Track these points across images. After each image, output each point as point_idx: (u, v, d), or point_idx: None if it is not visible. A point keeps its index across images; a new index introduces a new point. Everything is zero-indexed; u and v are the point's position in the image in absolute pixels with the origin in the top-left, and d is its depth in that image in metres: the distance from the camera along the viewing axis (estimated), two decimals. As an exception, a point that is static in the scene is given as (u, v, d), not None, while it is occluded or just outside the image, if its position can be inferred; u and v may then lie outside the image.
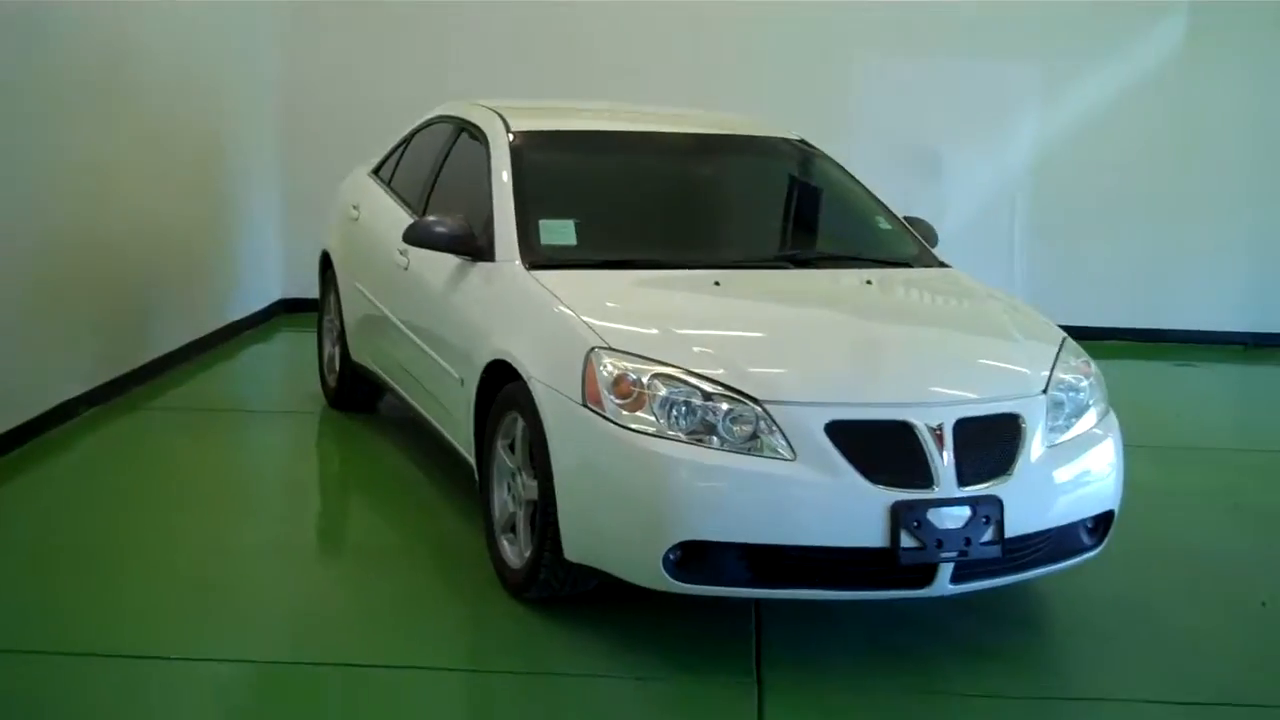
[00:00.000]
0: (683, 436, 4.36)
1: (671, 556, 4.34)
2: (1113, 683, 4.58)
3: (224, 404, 7.96)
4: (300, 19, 10.30)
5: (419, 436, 6.49)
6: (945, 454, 4.38)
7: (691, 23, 10.23)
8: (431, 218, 5.63)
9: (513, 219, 5.42)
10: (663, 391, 4.41)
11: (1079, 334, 9.40)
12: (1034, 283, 10.40)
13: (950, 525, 4.33)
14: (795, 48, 10.22)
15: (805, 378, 4.54)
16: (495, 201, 5.55)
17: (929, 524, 4.30)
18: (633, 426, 4.38)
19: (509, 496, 5.00)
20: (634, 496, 4.37)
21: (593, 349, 4.56)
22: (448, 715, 4.33)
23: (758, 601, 4.85)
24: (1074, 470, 4.72)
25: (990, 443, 4.50)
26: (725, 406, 4.38)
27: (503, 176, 5.64)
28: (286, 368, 9.10)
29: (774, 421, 4.34)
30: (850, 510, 4.30)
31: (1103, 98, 10.28)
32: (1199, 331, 10.51)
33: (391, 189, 6.85)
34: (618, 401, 4.43)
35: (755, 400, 4.37)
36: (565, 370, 4.59)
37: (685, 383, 4.41)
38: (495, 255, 5.35)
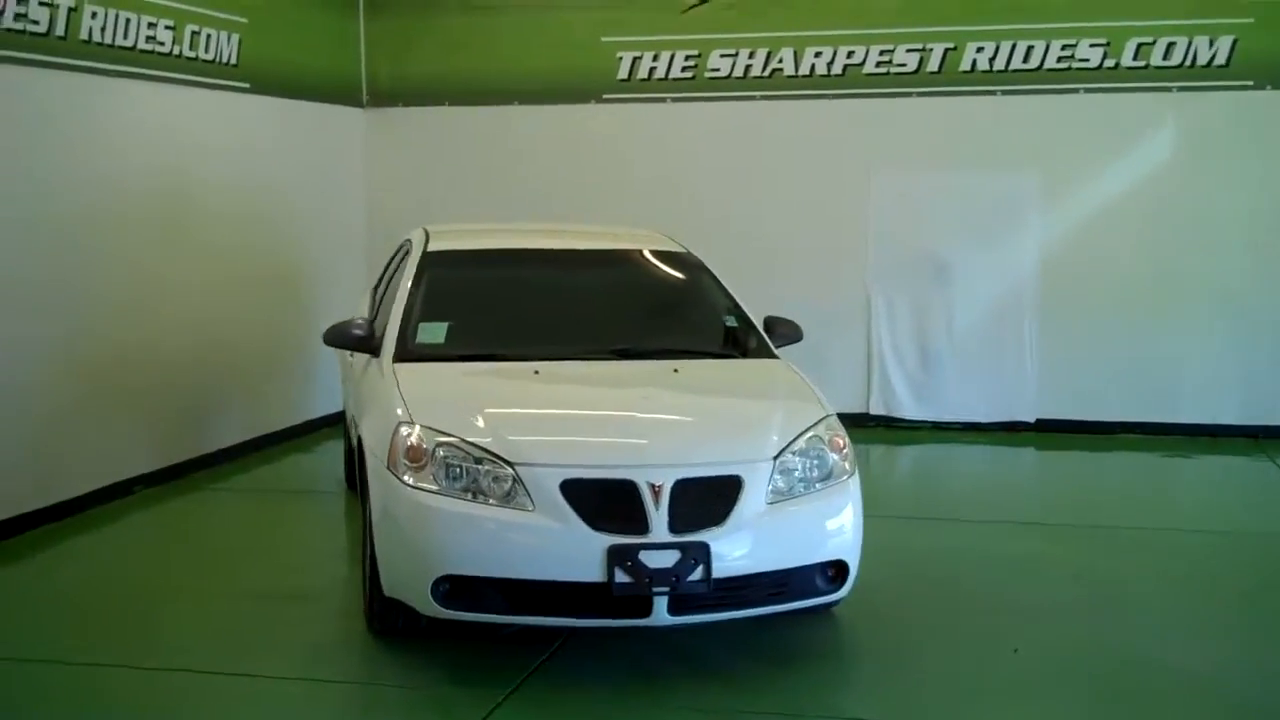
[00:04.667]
0: (457, 493, 5.47)
1: (441, 589, 5.43)
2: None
3: (259, 486, 9.35)
4: (375, 158, 11.86)
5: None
6: (661, 507, 5.35)
7: (730, 136, 11.39)
8: (346, 321, 6.90)
9: (399, 322, 6.65)
10: (442, 454, 5.54)
11: (1090, 429, 10.25)
12: (1048, 377, 11.02)
13: (660, 564, 5.31)
14: (820, 164, 11.24)
15: (549, 444, 5.62)
16: (393, 307, 6.79)
17: (640, 563, 5.29)
18: (415, 484, 5.52)
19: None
20: (412, 540, 5.51)
21: (399, 423, 5.72)
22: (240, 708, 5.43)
23: (568, 635, 5.83)
24: (797, 525, 5.63)
25: (709, 498, 5.46)
26: (486, 467, 5.48)
27: (405, 285, 6.89)
28: (324, 461, 10.34)
29: (520, 480, 5.41)
30: (575, 551, 5.32)
31: (1106, 196, 10.86)
32: (1209, 425, 10.84)
33: (373, 300, 8.17)
34: (408, 464, 5.58)
35: (509, 463, 5.45)
36: (382, 439, 5.78)
37: (460, 449, 5.53)
38: (380, 351, 6.57)
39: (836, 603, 6.00)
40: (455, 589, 5.46)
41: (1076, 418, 11.06)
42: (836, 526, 5.74)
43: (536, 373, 6.29)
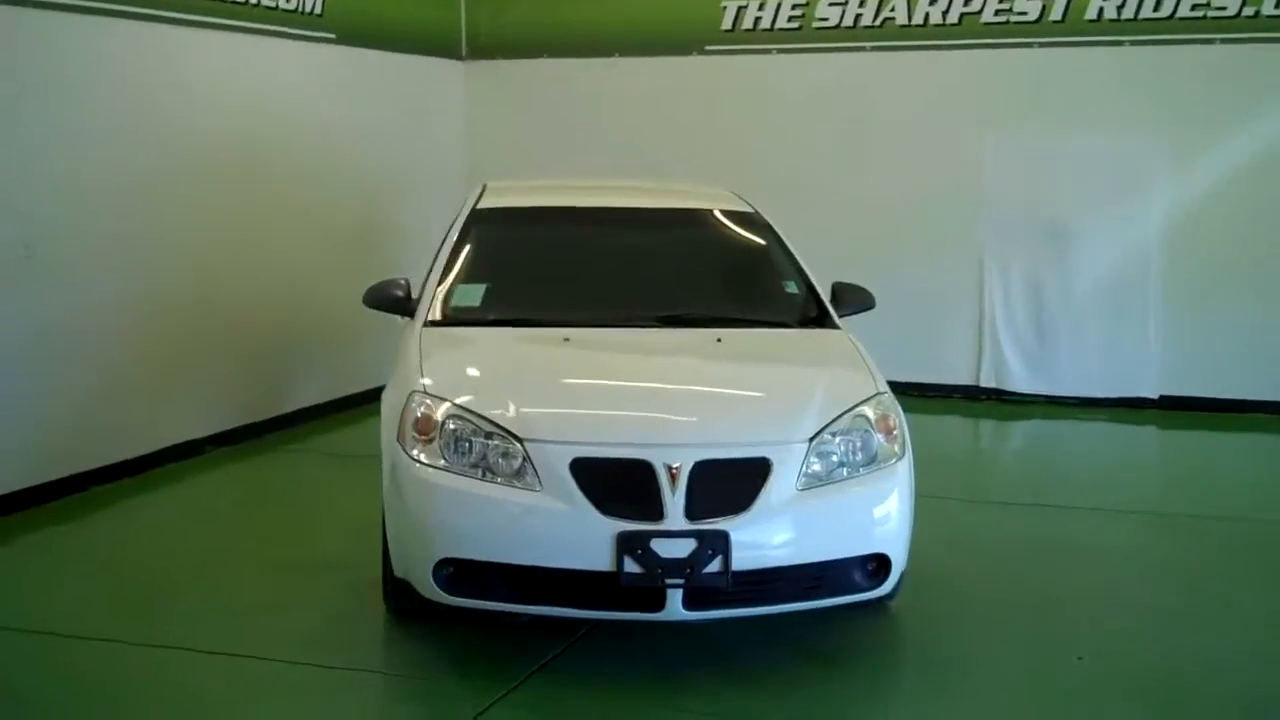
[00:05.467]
0: (464, 470, 5.09)
1: (444, 573, 5.07)
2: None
3: (333, 450, 9.14)
4: (475, 112, 11.55)
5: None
6: (678, 490, 4.91)
7: (836, 90, 10.88)
8: (388, 280, 6.56)
9: (435, 283, 6.29)
10: (451, 428, 5.16)
11: (1218, 406, 9.51)
12: (1173, 351, 10.27)
13: (674, 554, 4.87)
14: (931, 121, 10.62)
15: (561, 420, 5.19)
16: (434, 267, 6.43)
17: (652, 552, 4.86)
18: (421, 459, 5.16)
19: None
20: (414, 520, 5.16)
21: (412, 392, 5.36)
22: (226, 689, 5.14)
23: (592, 625, 5.44)
24: (834, 514, 5.14)
25: (733, 482, 5.00)
26: (496, 443, 5.08)
27: (448, 244, 6.53)
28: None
29: (529, 457, 5.01)
30: (581, 537, 4.91)
31: (1240, 158, 10.03)
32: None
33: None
34: (417, 437, 5.22)
35: (518, 438, 5.05)
36: (395, 408, 5.43)
37: (470, 422, 5.15)
38: (415, 314, 6.23)
39: (886, 599, 5.50)
40: (459, 573, 5.09)
41: (1203, 395, 10.29)
42: (879, 516, 5.24)
43: (567, 340, 5.87)
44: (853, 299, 6.62)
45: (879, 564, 5.24)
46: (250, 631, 5.59)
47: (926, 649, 5.59)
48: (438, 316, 6.13)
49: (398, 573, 5.34)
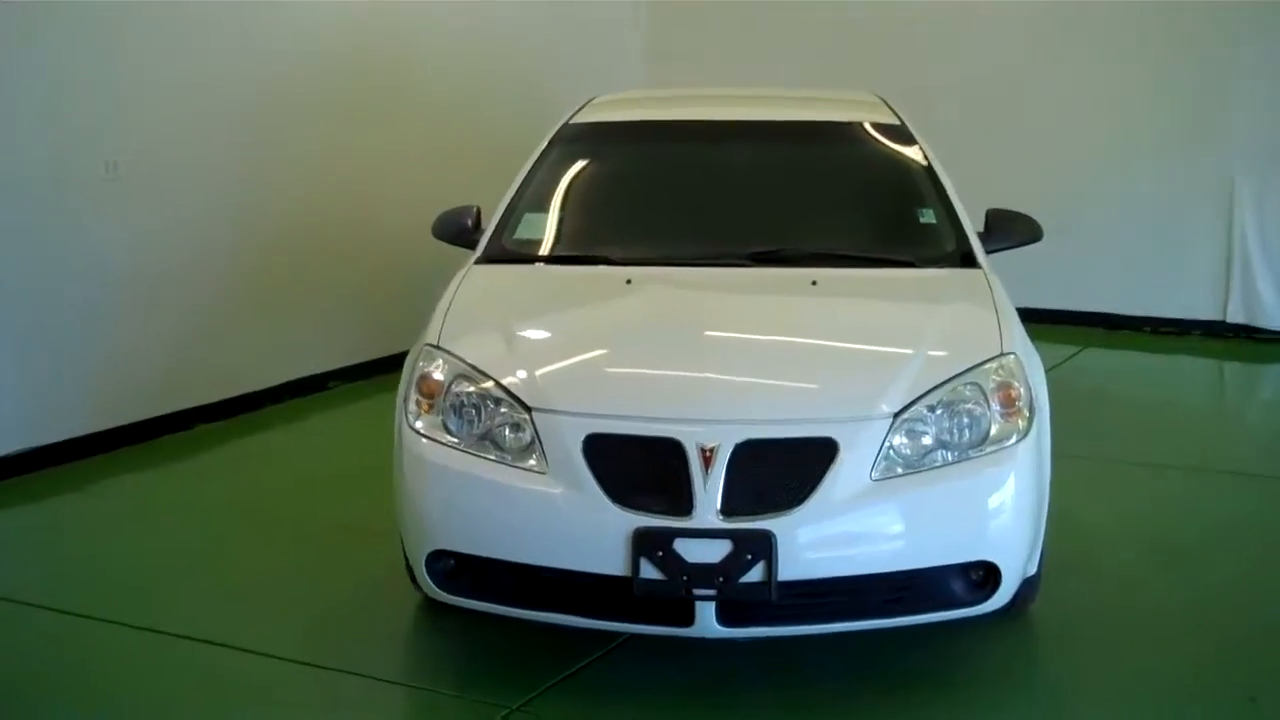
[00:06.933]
0: (469, 443, 4.18)
1: (439, 566, 4.19)
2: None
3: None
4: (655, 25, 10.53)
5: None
6: (713, 477, 3.88)
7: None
8: (460, 208, 5.67)
9: (500, 213, 5.38)
10: (457, 390, 4.26)
11: None
12: None
13: (702, 558, 3.85)
14: (1173, 20, 9.19)
15: (577, 385, 4.20)
16: (506, 194, 5.52)
17: (675, 555, 3.86)
18: (419, 427, 4.28)
19: None
20: (409, 502, 4.28)
21: (424, 346, 4.47)
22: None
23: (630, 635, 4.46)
24: (922, 509, 4.01)
25: (786, 469, 3.94)
26: (505, 411, 4.15)
27: (526, 168, 5.59)
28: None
29: (537, 431, 4.06)
30: (590, 533, 3.95)
31: None
32: None
33: None
34: (419, 400, 4.34)
35: (526, 406, 4.11)
36: (410, 365, 4.54)
37: (478, 385, 4.23)
38: (476, 247, 5.33)
39: (1018, 608, 4.36)
40: (460, 568, 4.19)
41: None
42: (985, 512, 4.07)
43: (629, 283, 4.85)
44: (1011, 229, 5.39)
45: (986, 573, 4.08)
46: (252, 614, 4.85)
47: (1049, 674, 4.41)
48: (492, 252, 5.21)
49: (409, 559, 4.47)
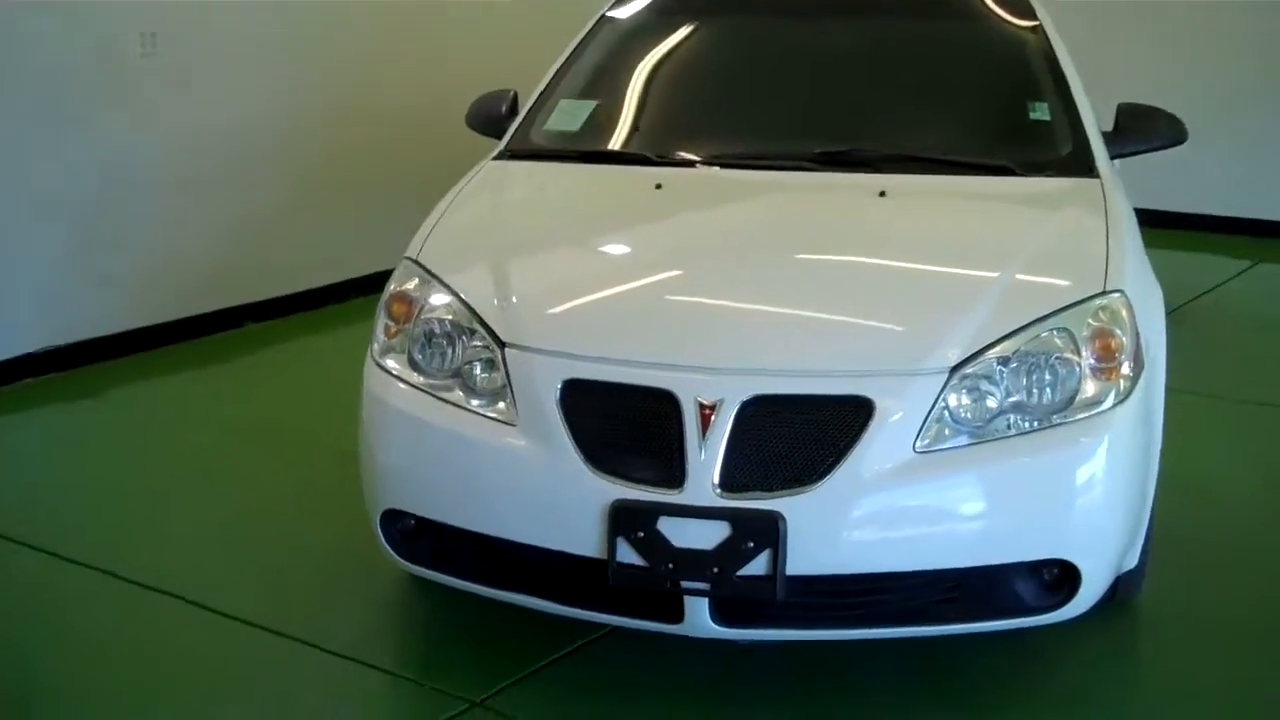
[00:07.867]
0: (440, 382, 3.45)
1: (396, 529, 3.50)
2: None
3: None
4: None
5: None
6: (712, 441, 3.09)
7: None
8: (496, 94, 4.90)
9: (532, 100, 4.61)
10: (425, 316, 3.52)
11: None
12: None
13: (693, 543, 3.07)
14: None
15: (556, 318, 3.42)
16: (546, 75, 4.74)
17: (659, 536, 3.08)
18: (384, 361, 3.57)
19: None
20: (364, 449, 3.58)
21: (404, 258, 3.75)
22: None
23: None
24: (974, 489, 3.15)
25: (806, 434, 3.11)
26: (478, 345, 3.41)
27: (568, 50, 4.81)
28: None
29: (508, 371, 3.31)
30: (560, 502, 3.19)
31: None
32: None
33: None
34: (388, 324, 3.63)
35: (500, 341, 3.36)
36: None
37: (450, 310, 3.49)
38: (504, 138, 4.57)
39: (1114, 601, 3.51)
40: (419, 530, 3.48)
41: None
42: (1065, 496, 3.18)
43: (658, 188, 4.02)
44: (1147, 129, 4.39)
45: (1062, 573, 3.21)
46: (228, 565, 4.26)
47: (1131, 685, 3.56)
48: (516, 145, 4.43)
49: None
